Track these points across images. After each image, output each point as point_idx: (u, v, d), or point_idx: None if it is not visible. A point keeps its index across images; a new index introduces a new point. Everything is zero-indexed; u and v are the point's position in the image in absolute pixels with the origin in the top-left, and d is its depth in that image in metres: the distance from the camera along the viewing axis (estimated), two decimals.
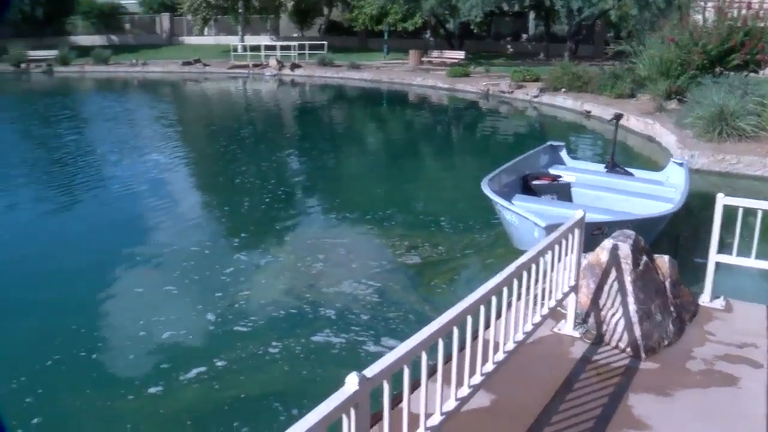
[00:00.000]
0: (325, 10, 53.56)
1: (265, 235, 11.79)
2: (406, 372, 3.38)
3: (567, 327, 5.91)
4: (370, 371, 3.11)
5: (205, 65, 44.48)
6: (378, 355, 7.14)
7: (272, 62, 42.01)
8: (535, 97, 28.05)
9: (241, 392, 6.81)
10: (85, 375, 7.28)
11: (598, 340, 5.77)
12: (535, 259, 4.67)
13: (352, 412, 2.98)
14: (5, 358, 7.66)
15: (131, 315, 8.56)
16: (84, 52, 48.29)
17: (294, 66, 41.59)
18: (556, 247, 5.16)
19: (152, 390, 6.86)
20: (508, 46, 49.04)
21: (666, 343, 5.74)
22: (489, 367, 4.29)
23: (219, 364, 7.28)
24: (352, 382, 2.94)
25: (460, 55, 40.90)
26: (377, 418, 3.49)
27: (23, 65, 45.85)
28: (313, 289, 9.16)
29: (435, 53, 42.67)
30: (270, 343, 7.67)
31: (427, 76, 35.80)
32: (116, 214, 13.51)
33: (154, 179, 16.35)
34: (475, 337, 4.10)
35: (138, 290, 9.40)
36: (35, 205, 14.27)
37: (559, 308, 5.66)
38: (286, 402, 6.61)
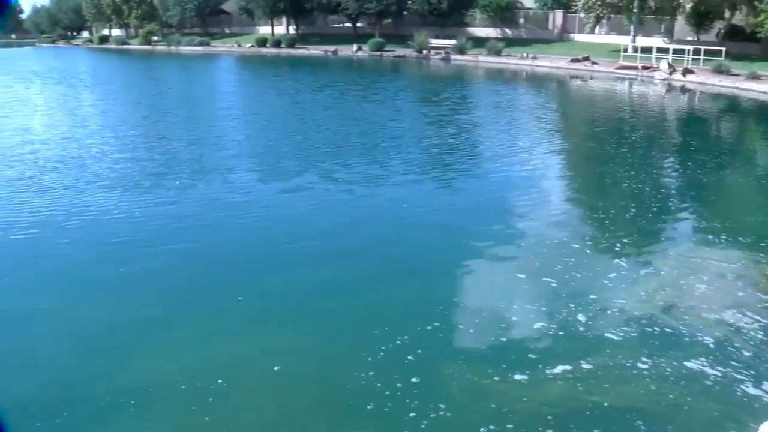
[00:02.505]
0: (727, 13, 49.54)
1: (648, 245, 11.41)
2: None
3: None
4: None
5: (594, 63, 44.28)
6: (758, 399, 6.62)
7: (663, 65, 40.32)
8: None
9: (604, 400, 6.73)
10: (458, 346, 7.82)
11: None
12: None
13: None
14: (394, 316, 8.59)
15: (508, 298, 9.01)
16: (479, 42, 51.70)
17: (686, 71, 39.39)
18: None
19: (518, 377, 7.11)
20: None
21: None
22: None
23: (585, 366, 7.29)
24: None
25: None
26: None
27: (424, 52, 50.79)
28: (693, 311, 8.68)
29: None
30: (639, 357, 7.47)
31: None
32: (504, 200, 14.22)
33: (548, 174, 17.01)
34: None
35: (520, 276, 9.83)
36: (429, 184, 15.70)
37: None
38: (649, 423, 6.38)
